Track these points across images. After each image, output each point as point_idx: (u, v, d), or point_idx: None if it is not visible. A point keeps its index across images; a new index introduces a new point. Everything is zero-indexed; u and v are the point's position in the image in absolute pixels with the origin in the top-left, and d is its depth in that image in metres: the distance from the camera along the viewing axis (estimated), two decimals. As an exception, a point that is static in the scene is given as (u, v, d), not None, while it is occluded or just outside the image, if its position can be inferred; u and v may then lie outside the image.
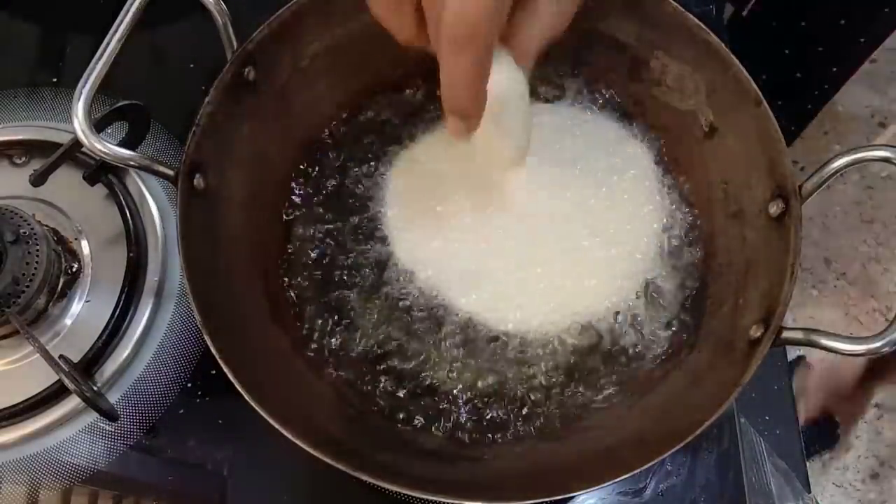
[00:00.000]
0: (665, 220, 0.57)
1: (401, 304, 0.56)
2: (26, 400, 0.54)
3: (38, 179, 0.59)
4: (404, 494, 0.46)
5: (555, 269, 0.55)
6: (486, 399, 0.53)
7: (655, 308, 0.55)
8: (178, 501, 0.55)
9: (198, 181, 0.49)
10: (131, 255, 0.58)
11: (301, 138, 0.59)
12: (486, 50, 0.38)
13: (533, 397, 0.53)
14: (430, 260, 0.56)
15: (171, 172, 0.48)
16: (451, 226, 0.56)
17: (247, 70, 0.52)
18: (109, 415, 0.52)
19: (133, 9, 0.48)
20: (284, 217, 0.58)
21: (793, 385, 0.59)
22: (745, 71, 0.51)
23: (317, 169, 0.60)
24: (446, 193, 0.57)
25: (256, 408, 0.43)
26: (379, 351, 0.54)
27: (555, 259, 0.55)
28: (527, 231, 0.56)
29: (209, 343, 0.44)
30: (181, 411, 0.56)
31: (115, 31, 0.48)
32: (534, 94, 0.62)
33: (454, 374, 0.54)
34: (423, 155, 0.60)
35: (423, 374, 0.54)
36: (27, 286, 0.55)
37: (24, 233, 0.55)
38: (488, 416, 0.52)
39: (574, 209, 0.56)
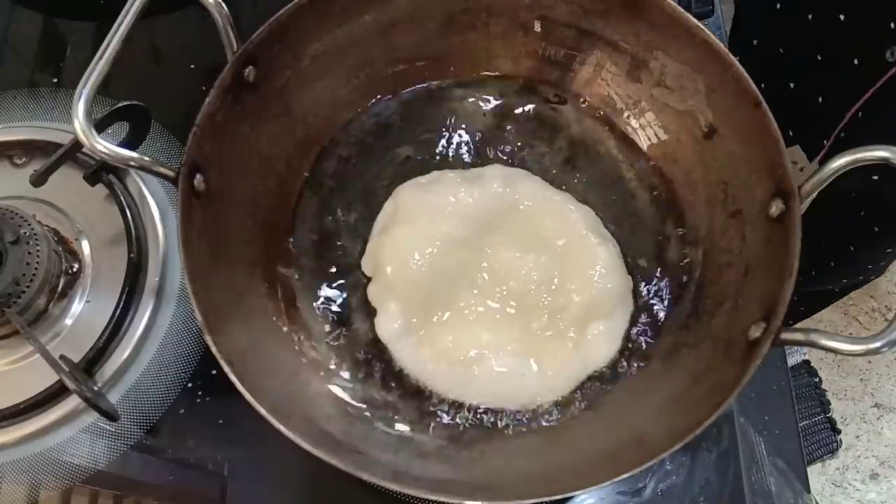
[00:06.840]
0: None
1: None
2: (26, 400, 0.54)
3: (39, 180, 0.59)
4: (404, 494, 0.46)
5: None
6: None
7: (656, 308, 0.55)
8: (178, 501, 0.55)
9: (198, 182, 0.49)
10: (132, 255, 0.58)
11: (301, 138, 0.59)
12: None
13: (533, 397, 0.53)
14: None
15: (171, 173, 0.48)
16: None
17: (247, 70, 0.52)
18: (110, 415, 0.52)
19: (133, 9, 0.48)
20: (285, 217, 0.58)
21: (792, 385, 0.59)
22: (744, 71, 0.51)
23: (317, 169, 0.60)
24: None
25: (257, 408, 0.43)
26: (379, 352, 0.54)
27: None
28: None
29: (210, 343, 0.44)
30: (182, 411, 0.56)
31: (115, 31, 0.47)
32: (535, 95, 0.62)
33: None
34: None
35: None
36: (27, 286, 0.55)
37: (25, 233, 0.55)
38: (487, 417, 0.53)
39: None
